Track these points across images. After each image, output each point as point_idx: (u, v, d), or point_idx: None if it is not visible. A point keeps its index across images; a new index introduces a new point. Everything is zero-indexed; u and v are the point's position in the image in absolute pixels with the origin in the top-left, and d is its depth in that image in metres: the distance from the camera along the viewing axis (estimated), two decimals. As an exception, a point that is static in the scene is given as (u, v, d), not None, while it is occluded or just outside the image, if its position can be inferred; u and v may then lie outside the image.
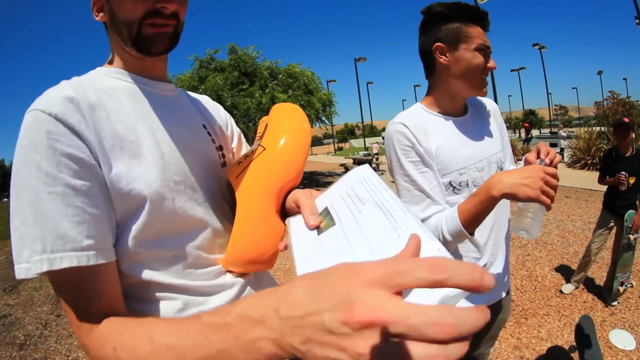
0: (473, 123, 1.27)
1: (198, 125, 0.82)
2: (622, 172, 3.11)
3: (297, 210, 0.69)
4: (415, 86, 62.19)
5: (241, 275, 0.77)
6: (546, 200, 0.88)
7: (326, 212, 0.60)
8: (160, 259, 0.65)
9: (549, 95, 42.57)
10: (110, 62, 0.74)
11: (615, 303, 3.13)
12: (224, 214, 0.79)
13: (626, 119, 3.30)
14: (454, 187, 1.19)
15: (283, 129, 0.81)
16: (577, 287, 3.42)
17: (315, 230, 0.58)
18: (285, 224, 0.73)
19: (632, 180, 3.17)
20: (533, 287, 3.60)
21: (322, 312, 0.31)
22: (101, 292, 0.57)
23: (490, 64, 1.16)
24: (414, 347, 0.26)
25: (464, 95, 1.22)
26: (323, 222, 0.58)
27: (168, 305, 0.66)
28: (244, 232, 0.74)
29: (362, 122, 36.12)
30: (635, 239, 3.10)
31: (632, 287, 3.23)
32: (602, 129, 11.42)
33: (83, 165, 0.57)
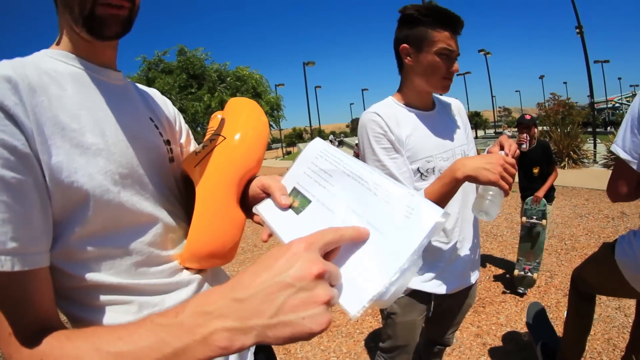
0: (439, 117, 1.37)
1: (145, 117, 0.78)
2: (522, 135, 3.18)
3: (262, 197, 0.66)
4: (363, 90, 63.34)
5: (198, 271, 0.74)
6: (504, 185, 0.98)
7: (296, 193, 0.59)
8: (109, 257, 0.61)
9: (494, 98, 45.08)
10: (58, 44, 0.68)
11: (521, 290, 3.23)
12: (175, 208, 0.76)
13: (528, 116, 3.61)
14: (422, 174, 1.28)
15: (243, 119, 0.80)
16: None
17: (292, 212, 0.57)
18: (245, 216, 0.74)
19: (535, 170, 3.48)
20: (487, 277, 3.69)
21: (282, 276, 0.36)
22: (32, 302, 0.50)
23: (454, 67, 1.24)
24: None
25: (427, 91, 1.32)
26: (296, 202, 0.57)
27: (122, 310, 0.61)
28: (203, 222, 0.71)
29: (310, 125, 36.22)
30: (532, 225, 3.28)
31: (533, 281, 3.23)
32: (545, 128, 12.14)
33: (15, 154, 0.49)
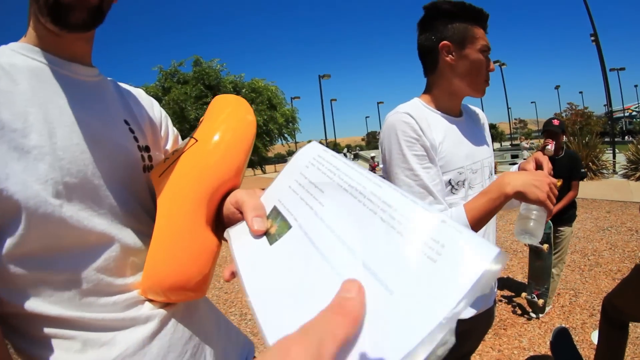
0: (468, 125, 1.26)
1: (118, 119, 0.68)
2: (549, 139, 2.85)
3: (238, 217, 0.54)
4: (378, 103, 63.72)
5: (166, 304, 0.61)
6: (550, 206, 0.91)
7: (276, 213, 0.45)
8: (48, 284, 0.52)
9: (509, 109, 44.62)
10: (25, 37, 0.63)
11: (534, 316, 3.05)
12: (144, 227, 0.64)
13: (556, 121, 3.25)
14: (453, 187, 1.16)
15: (222, 119, 0.66)
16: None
17: (266, 239, 0.43)
18: (219, 241, 0.61)
19: (559, 183, 3.15)
20: (509, 297, 3.53)
21: None
22: None
23: (491, 66, 1.17)
24: None
25: (464, 95, 1.22)
26: (274, 227, 0.44)
27: (64, 346, 0.52)
28: (163, 249, 0.58)
29: (326, 138, 36.16)
30: (536, 248, 3.04)
31: (543, 310, 3.04)
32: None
33: None
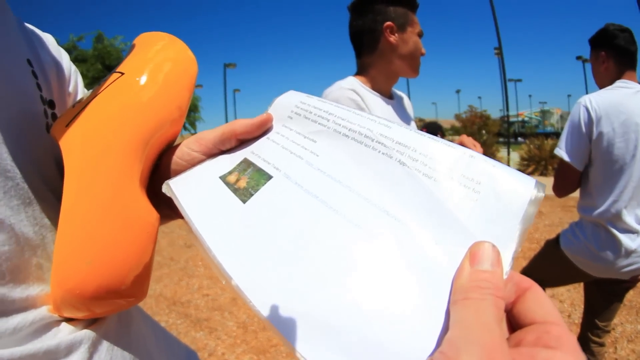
0: (399, 108, 1.32)
1: (19, 54, 0.44)
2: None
3: (184, 167, 0.39)
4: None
5: (92, 322, 0.37)
6: None
7: (246, 165, 0.35)
8: None
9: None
10: None
11: None
12: (49, 211, 0.39)
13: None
14: None
15: (156, 50, 0.48)
16: None
17: (236, 197, 0.32)
18: (160, 213, 0.38)
19: None
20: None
21: None
22: None
23: (423, 50, 1.25)
24: None
25: (401, 75, 1.27)
26: (242, 180, 0.33)
27: None
28: (79, 234, 0.35)
29: (227, 130, 35.12)
30: None
31: None
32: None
33: None
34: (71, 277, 0.34)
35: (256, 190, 0.31)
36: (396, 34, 1.20)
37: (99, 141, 0.37)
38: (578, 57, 25.31)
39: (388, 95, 1.27)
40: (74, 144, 0.37)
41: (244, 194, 0.31)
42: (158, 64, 0.44)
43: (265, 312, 0.23)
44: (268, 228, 0.28)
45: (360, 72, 1.27)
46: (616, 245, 1.33)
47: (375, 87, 1.24)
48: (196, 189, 0.34)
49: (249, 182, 0.32)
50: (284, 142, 0.35)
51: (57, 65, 0.54)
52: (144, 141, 0.38)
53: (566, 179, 1.44)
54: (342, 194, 0.28)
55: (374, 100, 1.19)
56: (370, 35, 1.23)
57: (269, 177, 0.32)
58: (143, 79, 0.42)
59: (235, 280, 0.26)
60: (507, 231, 0.22)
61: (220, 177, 0.34)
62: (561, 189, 1.48)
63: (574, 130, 1.38)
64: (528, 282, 0.23)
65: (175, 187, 0.35)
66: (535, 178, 0.25)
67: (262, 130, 0.39)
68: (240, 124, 0.38)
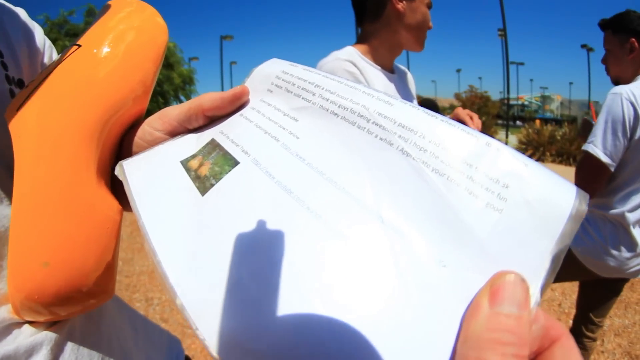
0: (401, 85, 1.21)
1: None
2: None
3: (145, 149, 0.34)
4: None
5: (53, 324, 0.34)
6: None
7: (211, 148, 0.29)
8: None
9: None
10: None
11: None
12: (10, 200, 0.35)
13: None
14: None
15: (119, 18, 0.42)
16: None
17: (194, 186, 0.27)
18: (121, 203, 0.33)
19: None
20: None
21: None
22: None
23: (430, 23, 1.15)
24: None
25: (405, 47, 1.16)
26: (205, 166, 0.28)
27: None
28: (33, 229, 0.31)
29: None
30: None
31: None
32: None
33: None
34: (27, 281, 0.30)
35: (217, 180, 0.26)
36: (404, 2, 1.08)
37: (48, 126, 0.32)
38: (583, 46, 25.00)
39: (390, 70, 1.16)
40: (23, 130, 0.33)
41: (204, 184, 0.26)
42: (119, 33, 0.39)
43: (213, 344, 0.18)
44: (225, 231, 0.22)
45: (360, 41, 1.15)
46: (633, 246, 1.28)
47: (377, 59, 1.13)
48: (151, 174, 0.29)
49: (211, 169, 0.27)
50: (260, 119, 0.29)
51: (29, 42, 0.49)
52: (101, 123, 0.34)
53: (598, 182, 1.24)
54: (323, 191, 0.22)
55: (375, 73, 1.08)
56: (374, 2, 1.11)
57: (236, 163, 0.26)
58: (101, 52, 0.37)
59: (181, 299, 0.21)
60: (538, 256, 0.16)
61: (182, 162, 0.29)
62: (590, 193, 1.24)
63: (616, 126, 1.18)
64: (558, 329, 0.17)
65: (129, 170, 0.30)
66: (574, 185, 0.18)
67: (236, 105, 0.33)
68: (209, 97, 0.33)
